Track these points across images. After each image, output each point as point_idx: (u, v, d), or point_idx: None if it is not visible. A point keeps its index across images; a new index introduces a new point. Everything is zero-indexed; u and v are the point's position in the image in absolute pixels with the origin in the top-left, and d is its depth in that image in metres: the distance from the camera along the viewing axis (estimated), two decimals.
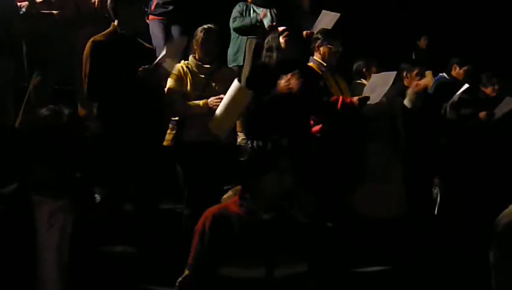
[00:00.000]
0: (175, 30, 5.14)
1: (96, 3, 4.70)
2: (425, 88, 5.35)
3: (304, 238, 2.42)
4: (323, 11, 5.31)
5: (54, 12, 4.58)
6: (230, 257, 2.28)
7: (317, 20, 5.32)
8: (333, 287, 3.77)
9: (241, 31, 5.37)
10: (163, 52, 3.68)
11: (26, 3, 4.59)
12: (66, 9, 4.61)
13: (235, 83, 3.84)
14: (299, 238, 2.40)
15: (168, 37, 5.02)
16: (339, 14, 5.28)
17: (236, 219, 2.33)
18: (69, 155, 2.20)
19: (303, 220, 2.52)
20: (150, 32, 5.06)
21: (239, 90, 3.81)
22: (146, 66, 3.57)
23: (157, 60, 3.64)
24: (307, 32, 5.22)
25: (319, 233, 4.01)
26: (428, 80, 5.04)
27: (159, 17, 5.13)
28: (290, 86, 3.96)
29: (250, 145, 2.37)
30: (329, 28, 5.15)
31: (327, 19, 5.27)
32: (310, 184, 4.04)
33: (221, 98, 3.87)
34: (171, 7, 5.10)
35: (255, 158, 2.34)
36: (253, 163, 2.34)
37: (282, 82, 3.97)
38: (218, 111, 3.86)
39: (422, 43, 7.30)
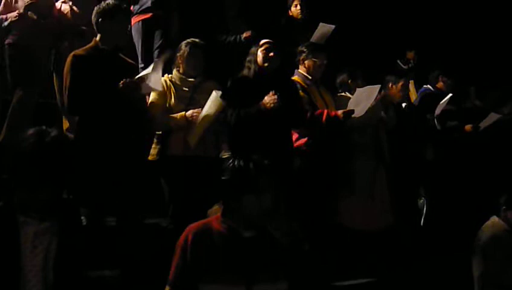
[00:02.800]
0: (157, 34, 5.07)
1: (68, 14, 4.70)
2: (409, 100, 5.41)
3: (283, 257, 2.43)
4: (320, 23, 5.34)
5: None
6: (211, 274, 2.28)
7: (315, 32, 5.34)
8: None
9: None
10: (149, 69, 3.67)
11: (13, 14, 4.58)
12: (48, 21, 4.61)
13: (213, 94, 3.84)
14: (279, 256, 2.41)
15: (148, 39, 4.99)
16: (333, 26, 5.32)
17: (217, 235, 2.34)
18: (53, 177, 2.19)
19: (282, 239, 2.53)
20: (132, 35, 4.98)
21: (215, 99, 3.81)
22: (127, 80, 3.55)
23: (139, 75, 3.63)
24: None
25: (298, 252, 4.01)
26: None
27: (141, 16, 5.01)
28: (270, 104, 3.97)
29: (231, 164, 2.37)
30: (323, 40, 5.19)
31: (323, 31, 5.31)
32: (293, 200, 4.05)
33: (199, 111, 3.87)
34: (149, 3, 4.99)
35: (237, 177, 2.35)
36: (235, 182, 2.35)
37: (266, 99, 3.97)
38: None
39: (410, 55, 7.34)
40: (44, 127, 2.23)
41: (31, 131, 2.21)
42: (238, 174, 2.34)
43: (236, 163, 2.36)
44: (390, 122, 4.85)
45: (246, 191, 2.32)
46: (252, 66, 4.17)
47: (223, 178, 2.38)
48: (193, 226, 2.40)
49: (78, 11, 4.66)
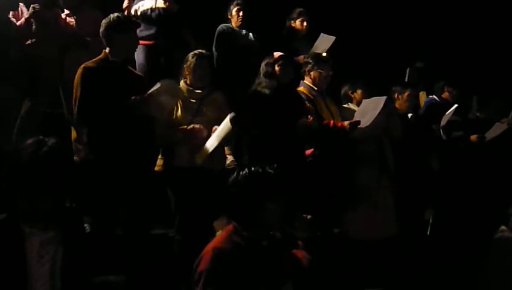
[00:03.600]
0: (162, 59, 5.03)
1: (72, 24, 4.75)
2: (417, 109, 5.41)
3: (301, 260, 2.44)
4: (321, 34, 5.33)
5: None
6: (240, 288, 2.27)
7: (316, 43, 5.34)
8: None
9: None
10: (158, 86, 3.70)
11: (19, 22, 4.64)
12: (53, 31, 4.65)
13: (226, 122, 3.81)
14: (297, 259, 2.42)
15: (151, 64, 4.94)
16: (334, 38, 5.31)
17: (238, 249, 2.32)
18: (52, 185, 2.21)
19: (302, 235, 2.52)
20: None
21: (224, 124, 3.80)
22: (137, 97, 3.58)
23: (149, 92, 3.66)
24: (304, 57, 5.19)
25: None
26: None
27: (144, 42, 4.92)
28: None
29: (241, 175, 2.35)
30: (325, 51, 5.20)
31: (324, 42, 5.31)
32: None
33: (201, 127, 3.87)
34: (153, 29, 4.98)
35: (256, 186, 2.32)
36: (254, 190, 2.33)
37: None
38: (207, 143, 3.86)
39: (419, 64, 7.34)
40: (41, 137, 2.26)
41: (29, 141, 2.24)
42: (258, 180, 2.32)
43: (253, 170, 2.34)
44: (396, 132, 4.86)
45: (268, 196, 2.30)
46: (269, 81, 4.20)
47: (238, 187, 2.34)
48: (218, 246, 2.33)
49: (81, 23, 4.71)
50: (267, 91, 4.18)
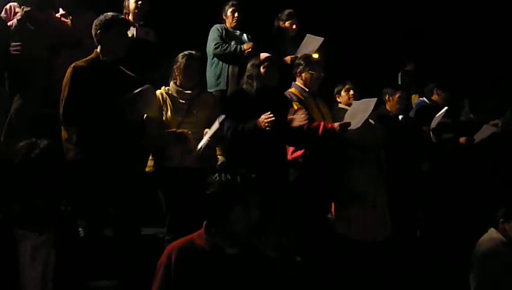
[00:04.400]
0: None
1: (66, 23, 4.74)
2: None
3: (271, 273, 2.39)
4: (307, 35, 5.32)
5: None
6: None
7: (302, 44, 5.34)
8: None
9: (222, 58, 5.31)
10: (147, 86, 3.69)
11: (11, 23, 4.62)
12: (46, 31, 4.65)
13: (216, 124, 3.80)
14: (266, 273, 2.37)
15: None
16: (322, 39, 5.31)
17: (201, 253, 2.29)
18: (45, 187, 2.20)
19: (271, 254, 2.49)
20: None
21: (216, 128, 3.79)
22: (126, 96, 3.56)
23: (137, 90, 3.64)
24: (291, 57, 5.24)
25: (289, 267, 4.00)
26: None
27: None
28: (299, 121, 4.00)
29: (218, 178, 2.32)
30: (313, 52, 5.20)
31: (311, 43, 5.30)
32: (287, 214, 4.06)
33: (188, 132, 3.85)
34: None
35: (223, 192, 2.29)
36: (221, 196, 2.30)
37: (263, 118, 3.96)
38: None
39: (410, 67, 7.37)
40: (34, 139, 2.25)
41: (21, 144, 2.24)
42: (225, 188, 2.28)
43: (223, 177, 2.30)
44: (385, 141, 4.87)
45: (233, 205, 2.27)
46: (255, 83, 4.16)
47: (208, 192, 2.33)
48: (176, 244, 2.35)
49: (77, 24, 4.70)
50: (248, 93, 4.17)
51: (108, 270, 3.68)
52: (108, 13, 3.77)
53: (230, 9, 5.46)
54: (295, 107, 4.32)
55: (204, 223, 2.41)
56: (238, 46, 5.23)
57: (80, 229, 3.27)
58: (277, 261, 2.57)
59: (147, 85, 3.67)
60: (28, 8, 4.57)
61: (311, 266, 4.24)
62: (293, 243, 4.21)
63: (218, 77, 5.32)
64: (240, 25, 5.46)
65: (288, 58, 5.24)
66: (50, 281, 2.20)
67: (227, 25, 5.47)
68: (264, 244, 2.56)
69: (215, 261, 2.29)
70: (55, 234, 2.25)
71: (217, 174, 2.34)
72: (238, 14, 5.43)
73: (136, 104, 3.56)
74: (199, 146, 3.83)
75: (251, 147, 3.95)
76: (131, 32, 4.67)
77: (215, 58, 5.35)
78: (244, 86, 4.22)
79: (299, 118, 4.03)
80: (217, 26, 5.42)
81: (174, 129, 3.89)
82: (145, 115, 3.91)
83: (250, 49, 5.10)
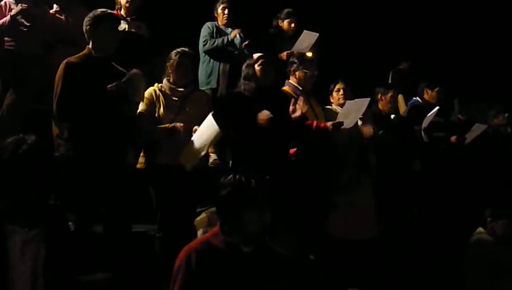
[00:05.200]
0: None
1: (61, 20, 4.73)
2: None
3: (286, 271, 2.42)
4: (304, 31, 5.36)
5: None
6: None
7: (298, 39, 5.36)
8: None
9: (212, 53, 5.33)
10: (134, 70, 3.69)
11: (5, 19, 4.61)
12: (40, 27, 4.63)
13: (209, 117, 3.81)
14: (281, 271, 2.40)
15: None
16: (317, 34, 5.34)
17: (219, 253, 2.33)
18: (34, 183, 2.20)
19: (285, 253, 2.52)
20: None
21: (212, 125, 3.79)
22: (116, 83, 3.56)
23: (125, 78, 3.63)
24: (287, 53, 5.26)
25: (301, 265, 4.02)
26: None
27: None
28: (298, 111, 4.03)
29: (232, 179, 2.35)
30: (309, 47, 5.21)
31: (307, 39, 5.32)
32: (290, 212, 4.07)
33: (181, 126, 3.85)
34: None
35: (237, 193, 2.32)
36: (235, 198, 2.33)
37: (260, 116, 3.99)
38: (190, 143, 3.85)
39: (403, 66, 7.39)
40: (21, 135, 2.26)
41: (9, 139, 2.24)
42: (239, 190, 2.32)
43: (237, 178, 2.33)
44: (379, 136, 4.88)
45: (246, 207, 2.30)
46: (250, 83, 4.17)
47: (222, 194, 2.35)
48: (192, 246, 2.36)
49: (71, 20, 4.70)
50: (246, 93, 4.18)
51: (101, 264, 3.68)
52: (98, 9, 3.78)
53: (220, 7, 5.49)
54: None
55: (218, 223, 2.43)
56: (225, 38, 5.27)
57: (70, 223, 3.27)
58: (290, 259, 2.58)
59: (134, 70, 3.67)
60: (25, 6, 4.56)
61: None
62: (305, 241, 4.20)
63: (209, 75, 5.35)
64: (232, 22, 5.49)
65: (283, 55, 5.28)
66: (40, 276, 2.21)
67: (219, 22, 5.49)
68: (277, 243, 2.58)
69: (233, 260, 2.33)
70: (44, 228, 2.25)
71: (231, 176, 2.37)
72: (228, 11, 5.45)
73: (126, 91, 3.57)
74: (200, 149, 3.80)
75: (255, 146, 3.96)
76: (123, 26, 4.70)
77: (206, 56, 5.38)
78: (242, 88, 4.23)
79: (299, 106, 4.05)
80: (208, 24, 5.46)
81: (166, 125, 3.90)
82: (138, 112, 3.92)
83: (237, 35, 5.16)
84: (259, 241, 2.39)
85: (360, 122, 4.72)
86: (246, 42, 5.26)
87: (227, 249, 2.34)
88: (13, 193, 2.20)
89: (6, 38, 4.67)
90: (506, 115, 6.18)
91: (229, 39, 5.27)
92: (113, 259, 3.63)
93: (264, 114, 4.00)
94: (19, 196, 2.21)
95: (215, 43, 5.29)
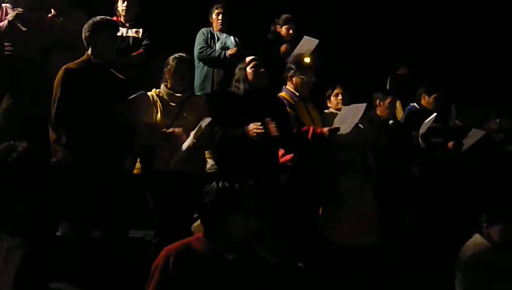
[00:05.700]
0: None
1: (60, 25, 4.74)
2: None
3: (271, 279, 2.38)
4: (304, 36, 5.37)
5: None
6: None
7: (299, 44, 5.37)
8: None
9: (207, 63, 5.33)
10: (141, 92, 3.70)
11: (4, 23, 4.61)
12: (38, 32, 4.64)
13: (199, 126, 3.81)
14: (266, 279, 2.36)
15: None
16: (317, 41, 5.35)
17: (200, 257, 2.28)
18: (25, 191, 2.19)
19: (271, 260, 2.49)
20: None
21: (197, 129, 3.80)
22: (121, 106, 3.57)
23: (131, 97, 3.65)
24: (286, 47, 5.32)
25: (290, 273, 4.00)
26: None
27: None
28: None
29: (215, 186, 2.32)
30: (308, 53, 5.22)
31: (307, 44, 5.33)
32: (280, 218, 4.06)
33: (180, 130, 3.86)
34: None
35: (222, 199, 2.29)
36: (220, 204, 2.29)
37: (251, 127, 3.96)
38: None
39: (402, 71, 7.40)
40: (12, 142, 2.24)
41: (0, 147, 2.23)
42: (223, 196, 2.28)
43: (221, 185, 2.30)
44: (379, 140, 4.88)
45: (232, 213, 2.26)
46: (242, 85, 4.16)
47: (205, 201, 2.32)
48: (172, 247, 2.32)
49: (69, 25, 4.70)
50: (236, 95, 4.17)
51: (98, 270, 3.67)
52: (97, 16, 3.80)
53: (215, 12, 5.50)
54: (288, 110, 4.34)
55: (203, 227, 2.40)
56: (223, 52, 5.27)
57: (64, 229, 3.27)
58: (277, 266, 2.54)
59: (141, 92, 3.69)
60: (21, 10, 4.56)
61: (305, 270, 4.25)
62: (293, 248, 4.20)
63: (204, 80, 5.33)
64: (227, 27, 5.49)
65: (283, 48, 5.37)
66: (23, 286, 2.17)
67: (214, 28, 5.49)
68: (264, 250, 2.55)
69: (214, 266, 2.28)
70: (29, 236, 2.22)
71: (214, 183, 2.33)
72: (223, 16, 5.46)
73: (130, 111, 3.58)
74: (184, 146, 3.83)
75: (242, 152, 3.96)
76: (122, 32, 4.73)
77: (201, 62, 5.37)
78: (232, 89, 4.23)
79: (254, 129, 3.96)
80: (203, 30, 5.46)
81: (164, 129, 3.90)
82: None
83: (234, 54, 5.14)
84: (244, 248, 2.34)
85: (361, 127, 4.73)
86: (232, 52, 5.23)
87: (209, 254, 2.30)
88: (1, 201, 2.18)
89: (5, 44, 4.67)
90: (498, 120, 6.21)
91: (226, 55, 5.23)
92: (109, 265, 3.63)
93: (254, 127, 3.96)
94: (7, 204, 2.18)
95: (212, 54, 5.27)
